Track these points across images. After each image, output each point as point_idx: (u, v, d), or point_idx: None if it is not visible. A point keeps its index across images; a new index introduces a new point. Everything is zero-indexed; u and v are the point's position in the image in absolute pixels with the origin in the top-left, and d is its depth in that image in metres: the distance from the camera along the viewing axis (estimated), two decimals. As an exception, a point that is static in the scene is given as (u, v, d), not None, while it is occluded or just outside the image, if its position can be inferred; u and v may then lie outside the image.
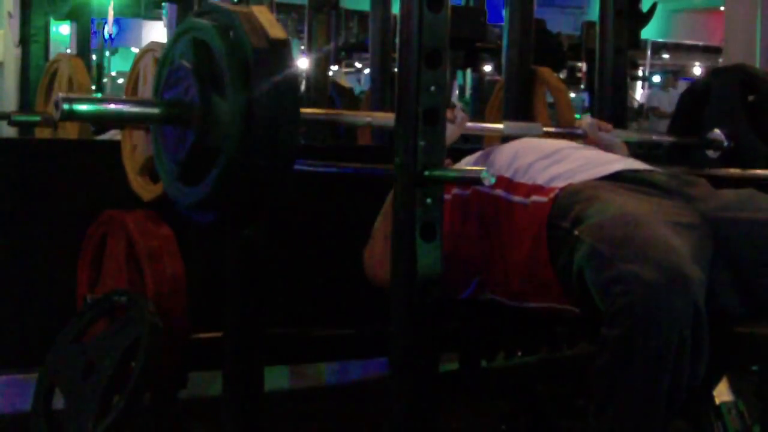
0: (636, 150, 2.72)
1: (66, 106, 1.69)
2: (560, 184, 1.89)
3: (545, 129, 2.38)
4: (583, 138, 2.38)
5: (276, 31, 1.67)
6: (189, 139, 1.74)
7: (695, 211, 1.80)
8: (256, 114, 1.63)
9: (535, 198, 1.89)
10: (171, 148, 1.80)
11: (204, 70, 1.71)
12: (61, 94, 1.72)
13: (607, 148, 2.31)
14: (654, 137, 2.83)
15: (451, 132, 2.05)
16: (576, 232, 1.73)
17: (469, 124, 2.21)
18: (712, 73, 2.96)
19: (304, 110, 1.74)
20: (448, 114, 2.04)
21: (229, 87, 1.65)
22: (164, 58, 1.85)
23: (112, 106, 1.82)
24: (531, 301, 1.90)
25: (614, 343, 1.56)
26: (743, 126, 2.67)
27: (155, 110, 1.79)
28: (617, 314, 1.55)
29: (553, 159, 1.98)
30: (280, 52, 1.66)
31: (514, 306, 1.95)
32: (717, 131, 2.71)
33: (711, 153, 2.76)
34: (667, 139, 2.80)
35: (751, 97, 2.70)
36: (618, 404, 1.57)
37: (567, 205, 1.82)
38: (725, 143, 2.71)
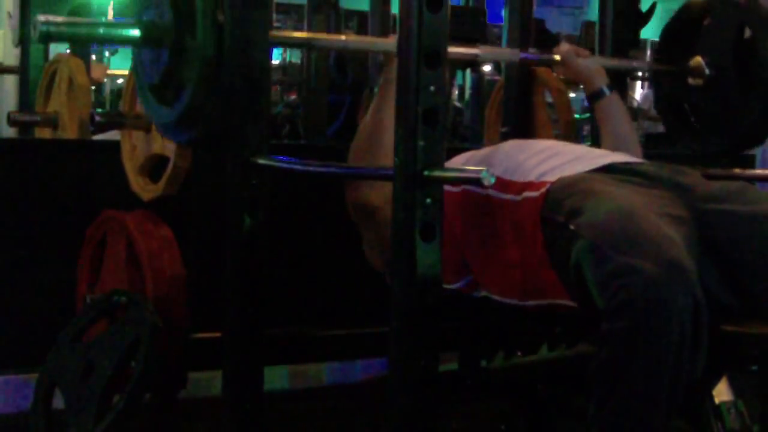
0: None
1: (44, 28, 1.71)
2: (551, 178, 1.88)
3: (520, 55, 2.41)
4: (561, 65, 2.42)
5: None
6: (163, 62, 1.78)
7: (684, 203, 1.80)
8: (227, 35, 1.69)
9: (526, 194, 1.89)
10: (147, 67, 1.84)
11: None
12: (41, 17, 1.73)
13: (584, 75, 2.38)
14: (634, 64, 2.81)
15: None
16: (572, 226, 1.72)
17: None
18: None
19: (274, 33, 1.85)
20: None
21: (200, 13, 1.70)
22: None
23: (92, 29, 1.85)
24: (530, 299, 1.90)
25: (615, 338, 1.55)
26: (729, 58, 2.63)
27: (133, 32, 1.81)
28: (618, 309, 1.55)
29: (543, 156, 1.98)
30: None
31: (512, 304, 1.94)
32: (699, 59, 2.67)
33: (691, 81, 2.72)
34: (647, 66, 2.79)
35: (747, 34, 2.65)
36: (619, 399, 1.56)
37: (560, 198, 1.81)
38: (706, 71, 2.66)
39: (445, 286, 2.03)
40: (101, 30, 1.88)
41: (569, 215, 1.74)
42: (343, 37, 2.21)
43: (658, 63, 2.80)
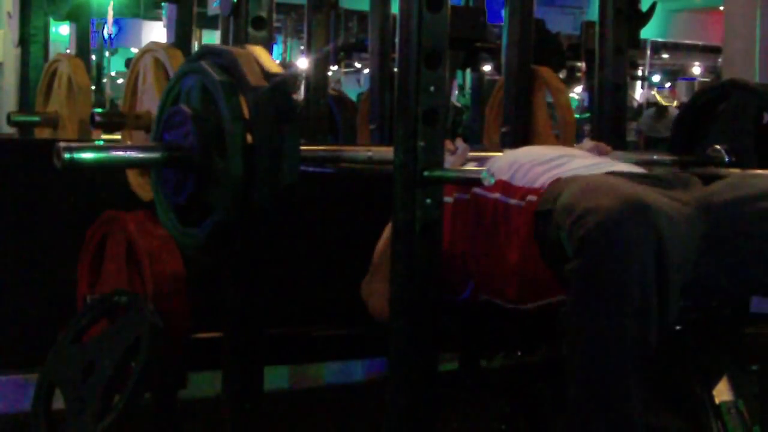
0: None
1: (67, 155, 1.69)
2: None
3: None
4: None
5: (275, 68, 1.68)
6: (189, 185, 1.74)
7: (688, 195, 1.80)
8: (258, 155, 1.65)
9: (529, 198, 1.91)
10: (170, 189, 1.80)
11: (203, 115, 1.72)
12: (61, 143, 1.71)
13: None
14: (655, 157, 2.79)
15: (452, 163, 2.06)
16: (556, 206, 1.73)
17: (471, 153, 2.20)
18: (728, 83, 2.81)
19: (303, 148, 1.76)
20: (449, 145, 2.05)
21: (229, 135, 1.66)
22: (165, 98, 1.85)
23: (114, 153, 1.82)
24: (528, 302, 1.91)
25: (575, 277, 1.54)
26: (748, 144, 2.61)
27: (156, 155, 1.79)
28: (577, 248, 1.54)
29: (552, 164, 1.99)
30: (280, 91, 1.66)
31: (511, 308, 1.95)
32: (717, 147, 2.66)
33: (712, 169, 2.69)
34: (667, 158, 2.77)
35: (766, 119, 2.64)
36: (585, 344, 1.54)
37: (551, 191, 1.83)
38: (726, 159, 2.65)
39: (454, 297, 2.05)
40: (125, 153, 1.86)
41: (555, 199, 1.76)
42: (369, 152, 2.16)
43: (675, 152, 2.77)
